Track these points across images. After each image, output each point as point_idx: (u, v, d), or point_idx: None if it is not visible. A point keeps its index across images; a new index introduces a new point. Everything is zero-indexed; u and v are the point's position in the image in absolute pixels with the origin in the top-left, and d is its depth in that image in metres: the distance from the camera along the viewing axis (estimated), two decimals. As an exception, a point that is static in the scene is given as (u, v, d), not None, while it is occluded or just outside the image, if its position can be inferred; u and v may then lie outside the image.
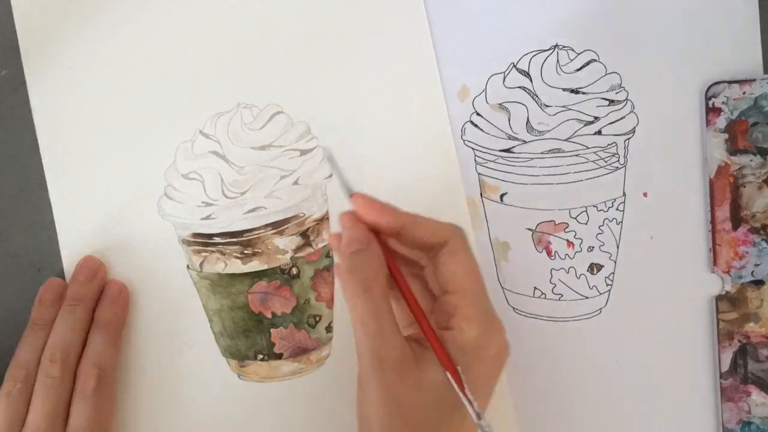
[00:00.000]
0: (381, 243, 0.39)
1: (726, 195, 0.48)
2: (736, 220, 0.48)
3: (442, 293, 0.40)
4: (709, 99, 0.47)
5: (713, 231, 0.48)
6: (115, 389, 0.47)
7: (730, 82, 0.47)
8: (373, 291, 0.38)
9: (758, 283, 0.48)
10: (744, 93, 0.47)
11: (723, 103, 0.47)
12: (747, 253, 0.48)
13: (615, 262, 0.49)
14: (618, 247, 0.49)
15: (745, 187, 0.48)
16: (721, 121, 0.47)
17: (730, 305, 0.48)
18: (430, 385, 0.38)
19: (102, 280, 0.49)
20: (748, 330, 0.48)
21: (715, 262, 0.48)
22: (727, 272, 0.48)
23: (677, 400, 0.49)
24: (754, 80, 0.47)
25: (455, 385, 0.37)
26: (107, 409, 0.46)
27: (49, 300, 0.48)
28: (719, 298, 0.48)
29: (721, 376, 0.48)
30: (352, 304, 0.38)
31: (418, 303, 0.39)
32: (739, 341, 0.48)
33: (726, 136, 0.47)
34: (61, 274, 0.50)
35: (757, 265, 0.48)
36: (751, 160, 0.47)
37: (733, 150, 0.47)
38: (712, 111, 0.47)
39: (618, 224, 0.48)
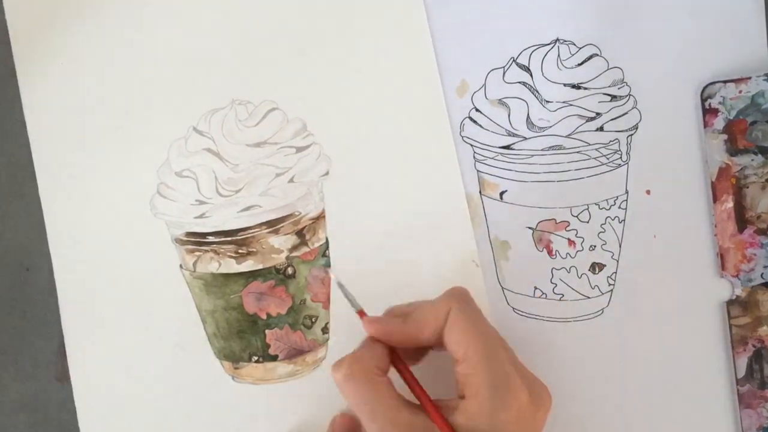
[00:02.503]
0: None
1: (729, 197, 0.48)
2: (742, 222, 0.48)
3: (453, 364, 0.42)
4: (705, 100, 0.48)
5: (718, 235, 0.48)
6: None
7: (725, 82, 0.47)
8: (355, 379, 0.40)
9: (769, 285, 0.49)
10: (740, 92, 0.47)
11: (720, 103, 0.47)
12: (755, 255, 0.48)
13: (617, 262, 0.49)
14: (620, 246, 0.49)
15: (748, 188, 0.48)
16: (719, 122, 0.48)
17: (742, 310, 0.48)
18: None
19: None
20: (762, 334, 0.48)
21: (723, 267, 0.49)
22: (736, 276, 0.49)
23: (692, 407, 0.49)
24: (750, 78, 0.47)
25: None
26: None
27: None
28: (730, 303, 0.49)
29: (737, 383, 0.49)
30: (342, 394, 0.42)
31: (423, 390, 0.42)
32: (754, 346, 0.48)
33: (725, 136, 0.48)
34: (50, 274, 0.50)
35: (766, 266, 0.48)
36: (752, 160, 0.48)
37: (734, 150, 0.48)
38: (709, 112, 0.48)
39: (620, 222, 0.49)
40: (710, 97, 0.48)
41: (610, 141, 0.49)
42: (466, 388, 0.41)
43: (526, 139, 0.49)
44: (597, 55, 0.49)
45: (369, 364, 0.41)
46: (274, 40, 0.50)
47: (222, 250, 0.49)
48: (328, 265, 0.50)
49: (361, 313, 0.44)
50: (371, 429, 0.40)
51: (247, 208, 0.49)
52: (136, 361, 0.50)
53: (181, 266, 0.50)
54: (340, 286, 0.45)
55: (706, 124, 0.48)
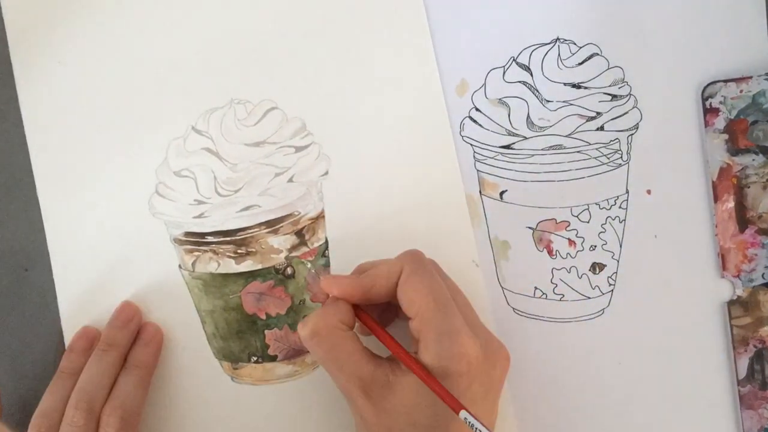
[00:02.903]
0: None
1: (730, 197, 0.48)
2: (743, 222, 0.48)
3: (408, 322, 0.43)
4: (706, 99, 0.48)
5: (719, 235, 0.48)
6: (138, 430, 0.48)
7: (726, 81, 0.47)
8: (321, 336, 0.42)
9: (770, 285, 0.49)
10: (741, 91, 0.47)
11: (720, 102, 0.47)
12: (756, 255, 0.48)
13: (618, 262, 0.49)
14: (621, 246, 0.49)
15: (749, 187, 0.48)
16: (720, 122, 0.48)
17: (743, 310, 0.48)
18: (400, 409, 0.41)
19: (137, 326, 0.50)
20: (763, 334, 0.48)
21: (724, 267, 0.49)
22: (737, 276, 0.49)
23: (693, 408, 0.49)
24: (751, 77, 0.47)
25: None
26: None
27: (80, 348, 0.49)
28: (731, 303, 0.49)
29: (738, 383, 0.49)
30: (310, 351, 0.44)
31: (387, 332, 0.43)
32: (755, 346, 0.48)
33: (726, 136, 0.48)
34: (48, 275, 0.50)
35: (767, 267, 0.48)
36: (753, 160, 0.48)
37: (735, 150, 0.48)
38: (710, 111, 0.48)
39: (621, 222, 0.49)
40: (711, 96, 0.48)
41: (611, 140, 0.49)
42: (418, 343, 0.42)
43: (526, 138, 0.49)
44: (597, 54, 0.49)
45: (333, 320, 0.43)
46: (273, 39, 0.50)
47: (221, 250, 0.49)
48: (327, 265, 0.50)
49: None
50: (338, 380, 0.43)
51: (246, 208, 0.49)
52: (135, 361, 0.50)
53: (180, 266, 0.50)
54: (311, 273, 0.48)
55: (706, 124, 0.48)
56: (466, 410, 0.39)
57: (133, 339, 0.49)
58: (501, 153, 0.49)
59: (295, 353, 0.50)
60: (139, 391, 0.48)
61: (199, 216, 0.49)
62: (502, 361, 0.44)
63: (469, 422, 0.39)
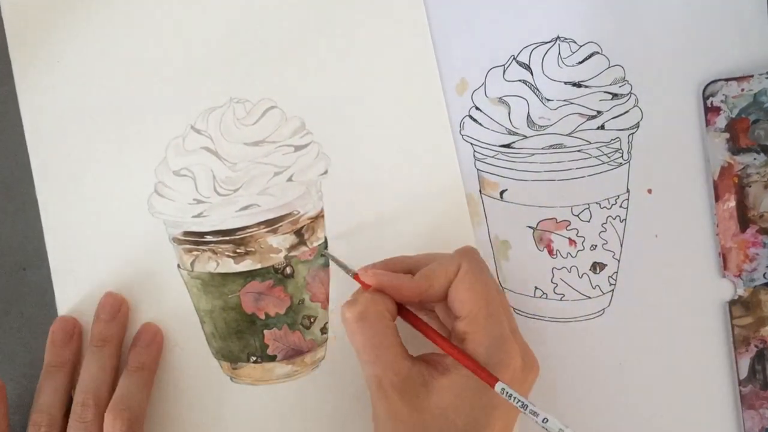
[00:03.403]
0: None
1: (731, 196, 0.48)
2: (744, 222, 0.48)
3: (454, 320, 0.42)
4: (707, 98, 0.48)
5: (720, 234, 0.48)
6: (143, 431, 0.47)
7: (727, 80, 0.47)
8: (368, 321, 0.41)
9: (771, 285, 0.49)
10: (742, 90, 0.47)
11: (722, 101, 0.47)
12: (757, 254, 0.48)
13: (618, 261, 0.49)
14: (621, 246, 0.49)
15: (750, 186, 0.48)
16: (721, 120, 0.48)
17: (744, 310, 0.49)
18: (436, 409, 0.40)
19: (125, 317, 0.49)
20: (765, 334, 0.48)
21: (725, 267, 0.49)
22: (739, 276, 0.49)
23: (694, 408, 0.49)
24: (752, 76, 0.47)
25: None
26: None
27: (60, 339, 0.49)
28: (732, 303, 0.49)
29: (740, 383, 0.49)
30: (349, 334, 0.42)
31: (424, 322, 0.43)
32: (756, 346, 0.48)
33: (727, 135, 0.48)
34: (47, 274, 0.50)
35: (768, 266, 0.49)
36: (754, 159, 0.48)
37: (736, 149, 0.48)
38: (711, 110, 0.48)
39: (621, 222, 0.49)
40: (712, 95, 0.48)
41: (612, 139, 0.49)
42: (463, 345, 0.41)
43: (526, 137, 0.49)
44: (598, 53, 0.49)
45: (382, 308, 0.41)
46: (273, 38, 0.50)
47: (220, 250, 0.49)
48: (326, 264, 0.50)
49: (358, 277, 0.44)
50: (370, 369, 0.41)
51: (246, 207, 0.49)
52: (133, 361, 0.50)
53: (178, 266, 0.50)
54: (331, 256, 0.47)
55: (707, 123, 0.48)
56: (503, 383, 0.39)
57: (125, 329, 0.49)
58: (501, 152, 0.49)
59: (295, 353, 0.50)
60: (142, 393, 0.48)
61: (198, 215, 0.49)
62: (535, 371, 0.44)
63: (507, 393, 0.39)
